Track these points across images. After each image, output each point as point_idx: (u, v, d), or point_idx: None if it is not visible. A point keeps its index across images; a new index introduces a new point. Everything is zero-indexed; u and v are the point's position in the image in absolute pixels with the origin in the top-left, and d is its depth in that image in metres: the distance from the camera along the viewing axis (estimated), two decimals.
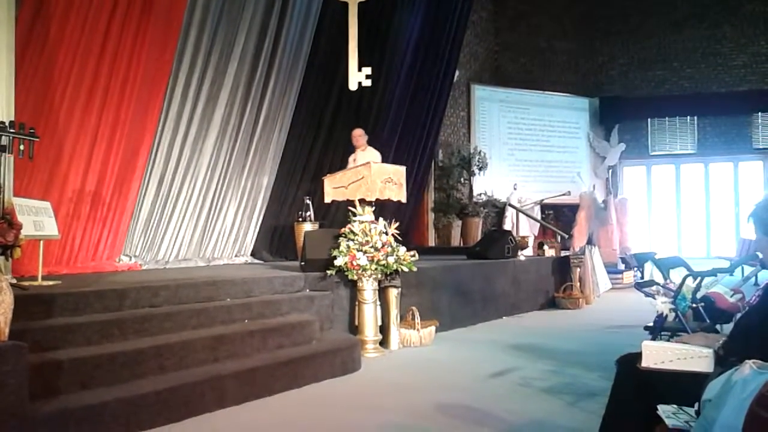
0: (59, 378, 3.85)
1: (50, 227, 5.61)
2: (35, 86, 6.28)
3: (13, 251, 4.78)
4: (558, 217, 15.62)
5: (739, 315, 4.31)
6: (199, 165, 8.45)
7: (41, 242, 5.52)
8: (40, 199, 5.86)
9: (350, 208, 6.73)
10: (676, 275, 5.66)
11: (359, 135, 8.27)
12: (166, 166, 8.04)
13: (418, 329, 6.75)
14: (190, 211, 8.45)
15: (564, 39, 16.96)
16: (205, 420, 4.17)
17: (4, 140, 5.22)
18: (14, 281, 5.00)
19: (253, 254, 9.41)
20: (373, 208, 6.78)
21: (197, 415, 4.20)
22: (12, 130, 5.32)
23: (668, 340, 4.35)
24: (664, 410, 2.46)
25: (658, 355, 2.66)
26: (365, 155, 7.94)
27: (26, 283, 5.06)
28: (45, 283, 5.21)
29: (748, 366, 2.11)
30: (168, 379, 4.28)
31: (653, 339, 4.49)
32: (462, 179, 14.62)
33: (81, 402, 3.74)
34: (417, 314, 6.83)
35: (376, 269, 6.35)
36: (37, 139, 5.67)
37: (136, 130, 7.39)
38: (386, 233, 6.59)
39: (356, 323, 6.41)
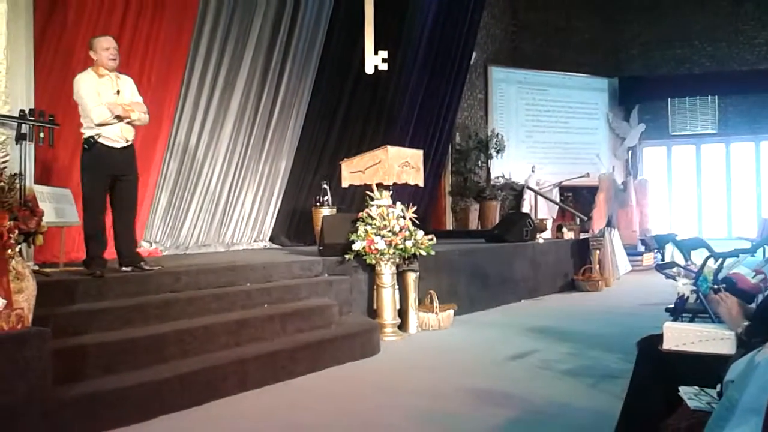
0: (83, 363, 3.90)
1: (71, 214, 5.67)
2: (54, 74, 6.31)
3: (35, 238, 4.82)
4: (577, 200, 15.52)
5: (761, 296, 4.28)
6: (216, 152, 8.47)
7: (63, 229, 5.59)
8: (60, 187, 5.91)
9: (367, 192, 6.73)
10: (698, 256, 5.61)
11: (116, 47, 5.18)
12: (185, 153, 8.08)
13: (436, 312, 6.76)
14: (209, 197, 8.49)
15: (583, 18, 16.72)
16: (227, 403, 4.21)
17: (24, 128, 5.26)
18: (36, 268, 5.06)
19: (271, 239, 9.46)
20: (391, 192, 6.77)
21: (219, 398, 4.24)
22: (32, 118, 5.37)
23: (690, 322, 4.33)
24: (685, 392, 2.45)
25: (680, 337, 2.65)
26: (126, 84, 5.28)
27: (48, 270, 5.12)
28: (67, 269, 5.26)
29: None
30: (190, 363, 4.32)
31: (674, 321, 4.46)
32: (479, 162, 14.54)
33: (104, 386, 3.79)
34: (435, 298, 6.84)
35: (394, 253, 6.35)
36: (57, 127, 5.72)
37: (153, 118, 7.35)
38: (404, 217, 6.59)
39: (375, 307, 6.43)
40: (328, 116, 10.07)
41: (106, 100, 5.02)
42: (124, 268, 5.11)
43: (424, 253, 6.61)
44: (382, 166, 6.66)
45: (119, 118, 5.06)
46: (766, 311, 2.55)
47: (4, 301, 3.37)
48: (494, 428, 3.69)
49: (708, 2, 16.08)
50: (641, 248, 13.05)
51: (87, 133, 5.04)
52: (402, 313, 6.54)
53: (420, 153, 7.26)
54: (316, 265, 6.39)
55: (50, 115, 5.60)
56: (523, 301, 8.87)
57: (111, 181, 5.09)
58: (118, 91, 5.15)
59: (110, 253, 5.24)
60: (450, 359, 5.50)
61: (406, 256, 6.49)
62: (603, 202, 12.94)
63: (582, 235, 11.18)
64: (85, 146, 5.03)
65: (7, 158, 5.05)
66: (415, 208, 6.86)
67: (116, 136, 5.09)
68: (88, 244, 5.05)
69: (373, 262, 6.36)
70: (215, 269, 5.55)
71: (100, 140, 5.02)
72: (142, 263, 5.19)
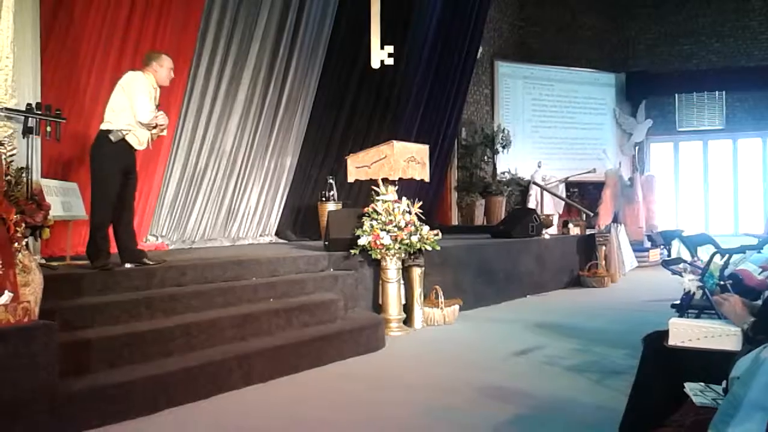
0: (89, 356, 3.92)
1: (78, 208, 5.69)
2: (61, 68, 6.32)
3: (41, 232, 4.85)
4: (583, 195, 15.49)
5: (767, 292, 4.26)
6: (222, 145, 8.49)
7: (70, 223, 5.61)
8: (67, 180, 5.93)
9: (373, 187, 6.73)
10: (704, 253, 5.59)
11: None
12: (191, 147, 8.09)
13: (441, 308, 6.76)
14: (215, 191, 8.51)
15: (590, 13, 16.65)
16: (232, 397, 4.23)
17: (31, 122, 5.27)
18: (43, 261, 5.08)
19: (277, 234, 9.47)
20: (396, 187, 6.77)
21: (225, 392, 4.26)
22: (39, 112, 5.38)
23: (696, 318, 4.31)
24: (691, 388, 2.45)
25: (686, 333, 2.64)
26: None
27: (55, 263, 5.14)
28: (73, 262, 5.28)
29: None
30: (196, 356, 4.34)
31: (680, 317, 4.45)
32: (485, 157, 14.52)
33: (110, 380, 3.80)
34: (440, 293, 6.84)
35: (399, 248, 6.35)
36: (64, 120, 5.73)
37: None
38: (409, 212, 6.59)
39: (380, 302, 6.44)
40: (334, 111, 10.07)
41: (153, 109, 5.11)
42: (127, 265, 5.09)
43: (429, 248, 6.60)
44: (388, 161, 6.65)
45: (153, 126, 5.17)
46: None
47: (11, 294, 3.38)
48: (499, 423, 3.69)
49: None
50: (647, 244, 13.01)
51: (117, 126, 4.99)
52: (407, 308, 6.54)
53: (426, 148, 7.25)
54: (322, 259, 6.40)
55: (57, 110, 5.61)
56: (528, 296, 8.86)
57: (123, 177, 5.08)
58: (158, 106, 5.26)
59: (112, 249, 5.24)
60: (455, 354, 5.51)
61: (412, 251, 6.49)
62: (609, 198, 12.91)
63: (588, 231, 11.16)
64: (110, 137, 4.97)
65: (15, 152, 5.05)
66: (420, 203, 6.86)
67: (144, 140, 5.17)
68: (96, 237, 4.98)
69: (379, 257, 6.37)
70: (221, 263, 5.56)
71: (128, 137, 5.03)
72: (144, 259, 5.17)
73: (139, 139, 5.12)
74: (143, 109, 5.00)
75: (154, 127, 5.18)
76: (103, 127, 5.05)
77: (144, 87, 5.06)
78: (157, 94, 5.27)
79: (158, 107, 5.24)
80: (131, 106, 5.00)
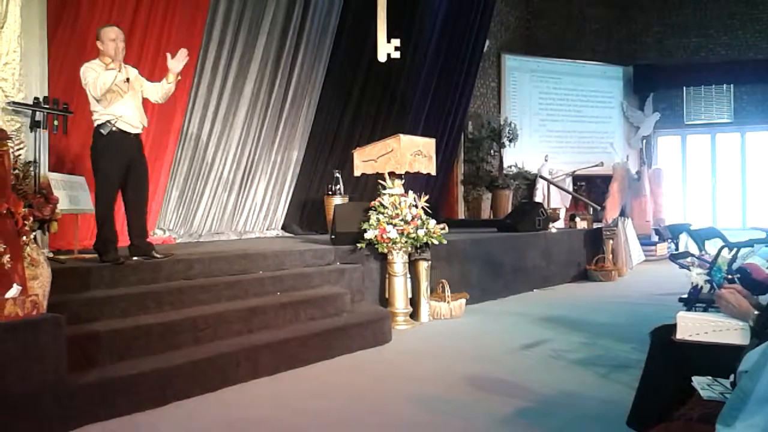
0: (97, 349, 3.94)
1: (86, 202, 5.70)
2: (68, 61, 6.33)
3: (49, 225, 4.86)
4: (590, 189, 15.44)
5: None
6: (229, 140, 8.49)
7: (77, 216, 5.62)
8: (74, 174, 5.94)
9: (380, 181, 6.72)
10: (712, 246, 5.56)
11: (122, 39, 5.10)
12: (198, 142, 8.10)
13: (448, 302, 6.76)
14: (222, 185, 8.52)
15: (597, 6, 16.58)
16: (239, 390, 4.24)
17: (39, 116, 5.29)
18: (51, 255, 5.10)
19: (284, 228, 9.48)
20: (403, 181, 6.76)
21: (232, 385, 4.28)
22: (46, 106, 5.39)
23: (704, 312, 4.29)
24: (699, 382, 2.43)
25: (694, 327, 2.62)
26: (133, 72, 5.25)
27: (63, 257, 5.16)
28: (81, 256, 5.30)
29: None
30: (203, 350, 4.36)
31: (688, 311, 4.43)
32: (492, 151, 14.49)
33: (118, 372, 3.82)
34: (447, 287, 6.84)
35: (406, 242, 6.35)
36: (71, 114, 5.75)
37: (167, 106, 7.38)
38: (416, 206, 6.59)
39: (387, 296, 6.44)
40: (341, 104, 10.06)
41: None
42: (135, 258, 5.09)
43: (436, 242, 6.60)
44: (395, 155, 6.64)
45: (128, 81, 5.02)
46: None
47: (20, 288, 3.40)
48: (505, 417, 3.69)
49: None
50: (655, 238, 12.99)
51: (103, 118, 4.93)
52: (414, 302, 6.55)
53: (432, 142, 7.24)
54: (328, 253, 6.40)
55: (64, 104, 5.63)
56: (535, 290, 8.85)
57: (126, 168, 5.02)
58: (128, 79, 5.07)
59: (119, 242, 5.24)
60: (461, 348, 5.50)
61: (418, 245, 6.49)
62: (617, 192, 12.90)
63: (595, 225, 11.14)
64: (101, 131, 4.92)
65: (22, 146, 5.07)
66: (427, 197, 6.84)
67: (135, 122, 5.07)
68: (103, 232, 4.96)
69: (385, 250, 6.37)
70: (228, 257, 5.57)
71: (118, 124, 4.95)
72: (153, 252, 5.17)
73: (131, 123, 5.03)
74: (93, 86, 4.83)
75: (125, 83, 4.97)
76: (94, 125, 5.01)
77: (89, 72, 4.88)
78: (119, 69, 4.97)
79: (128, 80, 5.04)
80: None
